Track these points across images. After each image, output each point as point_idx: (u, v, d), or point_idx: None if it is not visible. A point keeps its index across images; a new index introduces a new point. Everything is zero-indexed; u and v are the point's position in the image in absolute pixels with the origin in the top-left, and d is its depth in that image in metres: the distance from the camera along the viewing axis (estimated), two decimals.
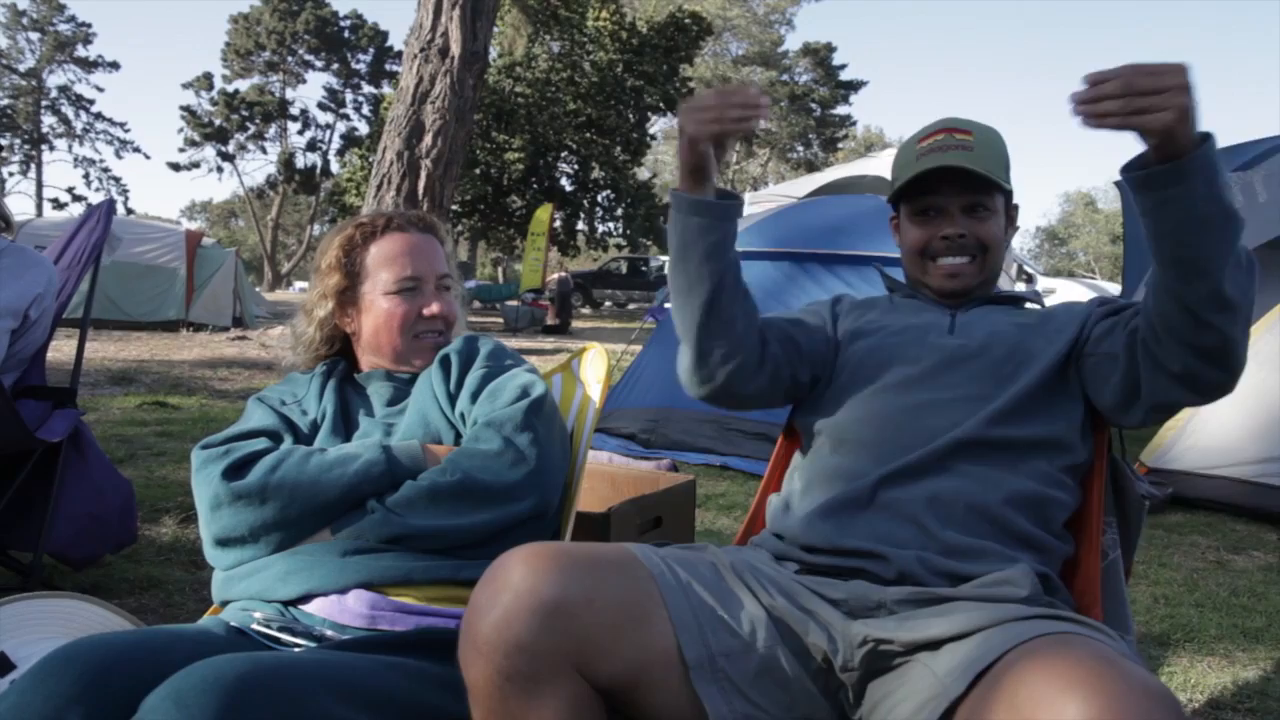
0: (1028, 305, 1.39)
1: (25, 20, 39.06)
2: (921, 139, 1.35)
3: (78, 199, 40.51)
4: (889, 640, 1.01)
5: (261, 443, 1.35)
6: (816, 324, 1.40)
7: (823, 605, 1.09)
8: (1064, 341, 1.26)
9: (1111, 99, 0.98)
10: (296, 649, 1.15)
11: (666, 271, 1.33)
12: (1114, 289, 11.05)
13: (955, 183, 1.32)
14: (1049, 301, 1.43)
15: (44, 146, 40.97)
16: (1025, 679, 0.82)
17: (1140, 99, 0.97)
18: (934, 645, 0.99)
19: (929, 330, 1.32)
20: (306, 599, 1.22)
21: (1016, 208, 1.42)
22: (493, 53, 18.10)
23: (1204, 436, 3.94)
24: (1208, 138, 1.00)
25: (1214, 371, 1.10)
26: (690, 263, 1.23)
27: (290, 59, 39.66)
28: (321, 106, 41.22)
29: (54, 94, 40.79)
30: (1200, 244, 1.02)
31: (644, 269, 25.08)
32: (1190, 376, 1.10)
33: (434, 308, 1.46)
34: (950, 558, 1.10)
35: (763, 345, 1.30)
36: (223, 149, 39.55)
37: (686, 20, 24.34)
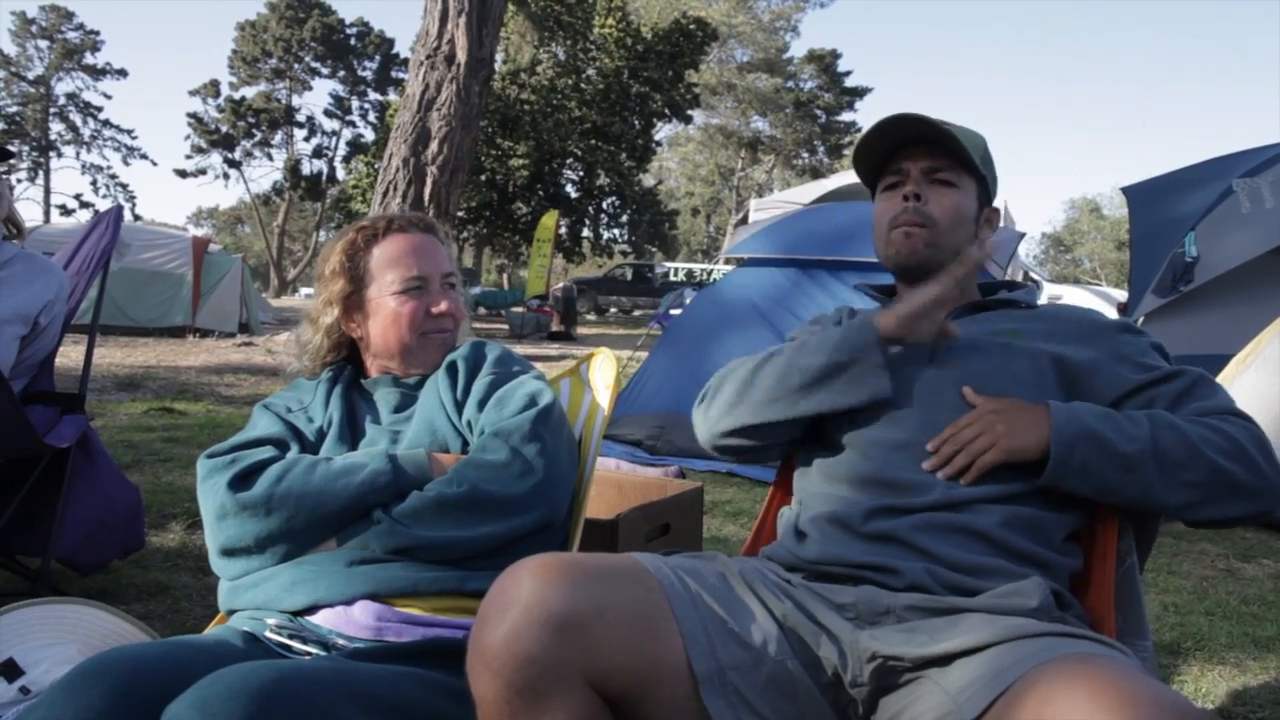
0: (1017, 306, 1.35)
1: (34, 28, 39.36)
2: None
3: (85, 205, 40.79)
4: (898, 657, 1.00)
5: (267, 451, 1.34)
6: None
7: (831, 615, 1.08)
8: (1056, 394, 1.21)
9: (957, 456, 1.15)
10: (308, 657, 1.15)
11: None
12: (1120, 295, 11.03)
13: (920, 146, 1.32)
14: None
15: (52, 153, 41.27)
16: (1052, 699, 0.80)
17: (971, 445, 1.14)
18: (944, 661, 0.98)
19: (910, 358, 1.27)
20: (313, 609, 1.21)
21: (996, 211, 1.38)
22: (498, 60, 18.17)
23: None
24: (1056, 441, 1.11)
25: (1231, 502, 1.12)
26: (824, 383, 1.23)
27: (297, 66, 39.86)
28: (328, 113, 41.49)
29: (62, 101, 41.13)
30: (1122, 494, 1.13)
31: (649, 275, 25.06)
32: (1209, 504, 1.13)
33: (443, 305, 1.47)
34: (958, 573, 1.09)
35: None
36: (229, 156, 39.80)
37: (691, 26, 24.41)
